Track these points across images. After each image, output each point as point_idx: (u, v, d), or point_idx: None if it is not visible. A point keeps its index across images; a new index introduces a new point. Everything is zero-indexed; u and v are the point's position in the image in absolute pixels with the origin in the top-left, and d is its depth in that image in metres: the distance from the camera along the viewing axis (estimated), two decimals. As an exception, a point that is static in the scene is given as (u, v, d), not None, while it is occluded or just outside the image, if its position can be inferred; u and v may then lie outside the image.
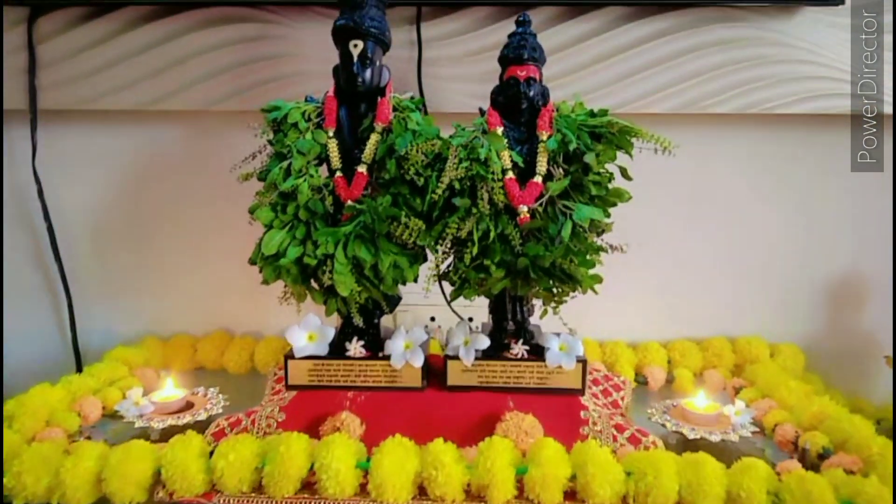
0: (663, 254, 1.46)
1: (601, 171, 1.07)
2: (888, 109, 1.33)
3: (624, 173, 1.09)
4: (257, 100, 1.23)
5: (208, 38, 1.34)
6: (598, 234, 1.06)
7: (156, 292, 1.49)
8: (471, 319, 1.45)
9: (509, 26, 1.11)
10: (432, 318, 1.48)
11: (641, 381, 1.38)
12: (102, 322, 1.51)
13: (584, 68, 1.35)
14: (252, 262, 1.07)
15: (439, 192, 1.01)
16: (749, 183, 1.45)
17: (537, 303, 1.14)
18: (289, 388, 1.13)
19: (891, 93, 1.33)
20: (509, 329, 1.17)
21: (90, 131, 1.41)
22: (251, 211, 1.05)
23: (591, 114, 1.10)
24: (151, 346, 1.47)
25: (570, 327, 1.09)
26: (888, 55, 1.31)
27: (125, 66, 1.34)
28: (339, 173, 1.09)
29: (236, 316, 1.52)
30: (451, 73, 1.34)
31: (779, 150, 1.42)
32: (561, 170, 1.08)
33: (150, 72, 1.35)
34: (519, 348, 1.12)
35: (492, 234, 1.03)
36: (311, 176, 1.06)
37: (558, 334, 1.13)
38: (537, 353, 1.12)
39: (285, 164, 1.05)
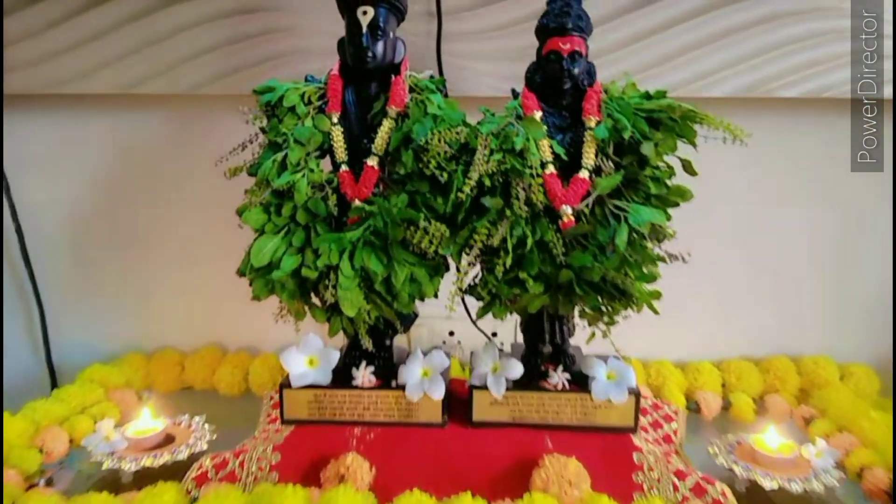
0: (715, 259, 1.27)
1: (660, 164, 0.89)
2: None
3: (688, 167, 0.90)
4: (249, 82, 1.03)
5: (193, 11, 1.17)
6: (659, 242, 0.87)
7: (139, 302, 1.34)
8: (494, 335, 1.27)
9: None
10: (451, 333, 1.30)
11: (693, 408, 1.19)
12: (79, 336, 1.34)
13: (626, 45, 1.16)
14: (241, 273, 0.89)
15: (466, 190, 0.83)
16: (819, 180, 1.25)
17: (579, 321, 0.96)
18: (285, 422, 0.95)
19: None
20: (546, 353, 0.99)
21: (60, 119, 1.24)
22: (239, 213, 0.88)
23: (647, 96, 0.92)
24: (133, 363, 1.30)
25: (621, 354, 0.91)
26: None
27: (97, 45, 1.16)
28: (344, 167, 0.91)
29: (230, 329, 1.35)
30: (475, 50, 1.16)
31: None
32: (611, 163, 0.89)
33: (125, 50, 1.18)
34: (559, 377, 0.94)
35: (529, 242, 0.85)
36: (312, 170, 0.88)
37: (604, 359, 0.95)
38: (580, 382, 0.94)
39: (280, 156, 0.87)
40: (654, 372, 1.24)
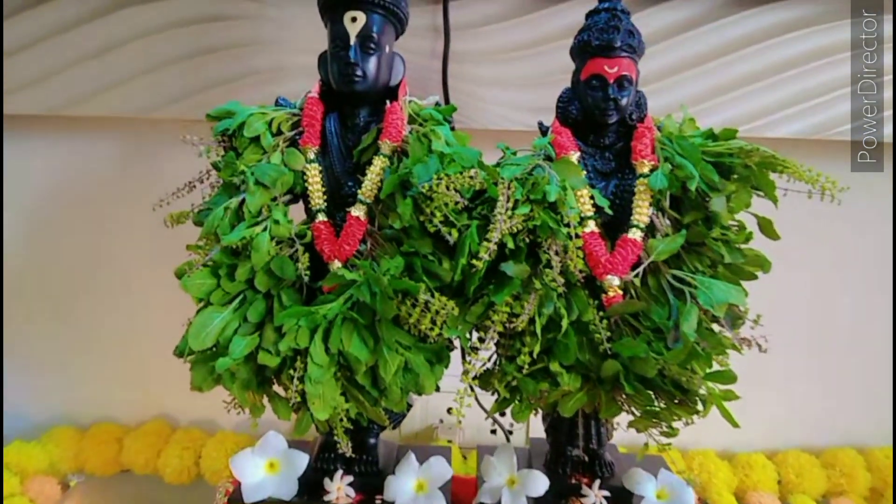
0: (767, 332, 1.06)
1: (733, 223, 0.69)
2: None
3: (767, 228, 0.69)
4: (212, 106, 0.83)
5: (145, 17, 0.96)
6: (735, 328, 0.66)
7: (74, 364, 1.14)
8: (510, 433, 1.05)
9: (573, 8, 0.73)
10: (450, 411, 1.08)
11: (746, 514, 0.97)
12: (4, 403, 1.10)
13: (675, 73, 0.96)
14: (178, 354, 0.67)
15: (483, 253, 0.61)
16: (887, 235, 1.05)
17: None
18: (233, 550, 0.72)
19: None
20: (575, 458, 0.77)
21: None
22: (178, 275, 0.66)
23: (711, 136, 0.72)
24: (61, 439, 1.09)
25: (687, 475, 0.69)
26: None
27: (28, 56, 0.95)
28: (321, 217, 0.70)
29: (180, 399, 1.12)
30: (489, 74, 0.96)
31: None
32: (668, 221, 0.69)
33: (64, 62, 0.97)
34: (595, 495, 0.72)
35: (564, 323, 0.64)
36: (276, 222, 0.66)
37: (653, 470, 0.73)
38: (620, 501, 0.72)
39: (235, 202, 0.66)
40: (696, 465, 1.03)
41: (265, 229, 0.65)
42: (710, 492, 0.99)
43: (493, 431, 1.10)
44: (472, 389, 0.68)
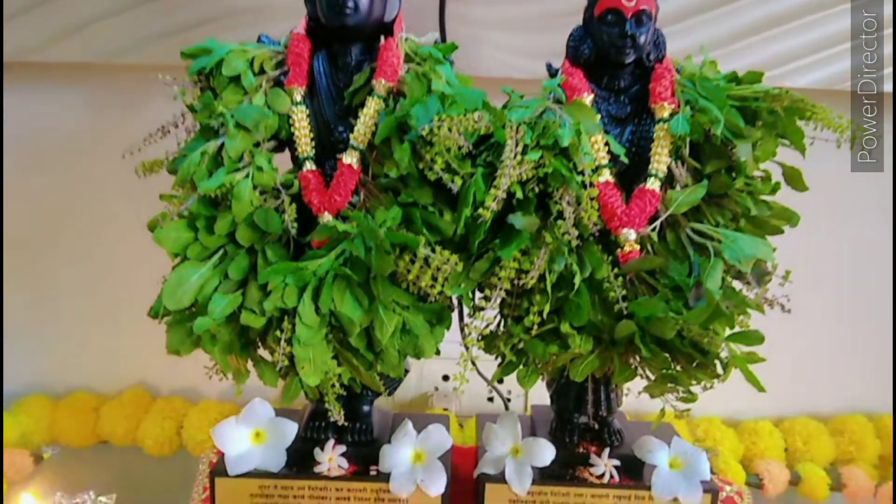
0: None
1: (758, 173, 0.63)
2: None
3: (794, 178, 0.64)
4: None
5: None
6: (761, 285, 0.61)
7: (45, 329, 1.06)
8: (509, 400, 1.01)
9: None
10: (446, 378, 1.04)
11: (754, 482, 0.94)
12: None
13: (691, 16, 0.89)
14: (153, 315, 0.61)
15: (490, 203, 0.55)
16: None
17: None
18: (216, 526, 0.67)
19: None
20: (581, 426, 0.72)
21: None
22: (151, 228, 0.59)
23: (735, 79, 0.66)
24: (33, 410, 1.03)
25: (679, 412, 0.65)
26: None
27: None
28: (310, 165, 0.63)
29: (161, 366, 1.05)
30: (489, 16, 0.88)
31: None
32: (686, 170, 0.63)
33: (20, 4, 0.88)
34: (605, 464, 0.68)
35: (576, 280, 0.58)
36: (260, 169, 0.60)
37: (666, 438, 0.69)
38: (631, 470, 0.68)
39: (213, 146, 0.59)
40: (701, 432, 0.99)
41: (247, 177, 0.58)
42: (718, 460, 0.95)
43: (491, 399, 1.05)
44: (472, 354, 0.63)
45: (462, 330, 0.71)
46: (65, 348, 1.05)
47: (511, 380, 0.68)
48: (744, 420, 1.02)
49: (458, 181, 0.57)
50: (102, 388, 1.07)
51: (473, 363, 0.76)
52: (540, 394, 0.78)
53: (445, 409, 1.00)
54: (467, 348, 0.59)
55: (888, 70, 0.90)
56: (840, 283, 1.03)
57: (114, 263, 1.02)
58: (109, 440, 1.02)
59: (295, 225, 0.60)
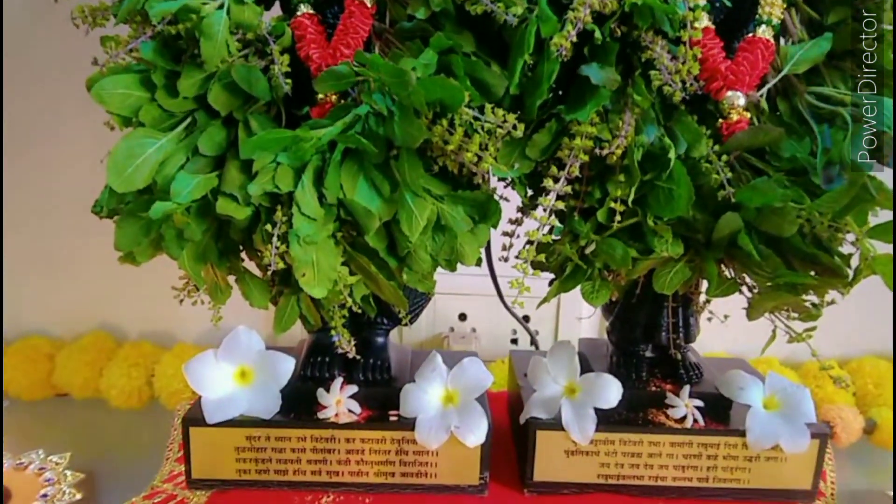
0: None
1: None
2: None
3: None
4: None
5: None
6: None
7: None
8: (527, 318, 0.87)
9: None
10: (462, 317, 0.89)
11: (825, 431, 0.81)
12: None
13: None
14: (97, 210, 0.46)
15: (556, 46, 0.40)
16: None
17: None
18: (193, 485, 0.52)
19: None
20: (651, 360, 0.58)
21: None
22: (89, 86, 0.43)
23: None
24: (-25, 357, 0.85)
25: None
26: None
27: None
28: (305, 8, 0.47)
29: (127, 306, 0.90)
30: None
31: None
32: (798, 18, 0.48)
33: None
34: (686, 405, 0.53)
35: (671, 156, 0.43)
36: (239, 0, 0.43)
37: (753, 372, 0.55)
38: (715, 413, 0.54)
39: (170, -36, 0.42)
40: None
41: (221, 7, 0.42)
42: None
43: (515, 341, 0.91)
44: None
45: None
46: (12, 285, 0.89)
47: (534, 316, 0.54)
48: (805, 362, 0.89)
49: (519, 8, 0.41)
50: (58, 331, 0.91)
51: (499, 291, 0.62)
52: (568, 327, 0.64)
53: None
54: (530, 242, 0.43)
55: None
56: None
57: (65, 175, 0.85)
58: (68, 392, 0.86)
59: (289, 82, 0.44)
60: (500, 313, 0.76)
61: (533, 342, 0.85)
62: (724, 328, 0.58)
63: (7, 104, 0.83)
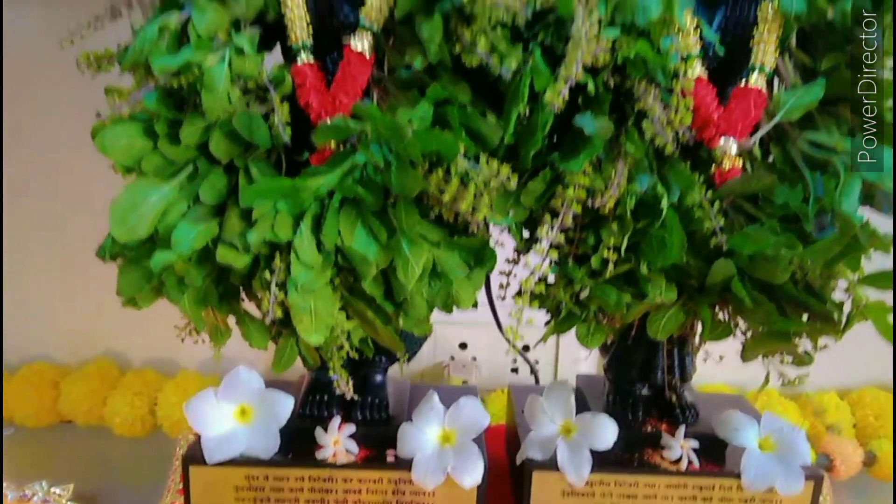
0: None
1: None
2: None
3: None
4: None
5: None
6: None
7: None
8: (526, 348, 0.86)
9: None
10: (463, 346, 0.90)
11: (822, 462, 0.81)
12: None
13: None
14: (101, 254, 0.46)
15: (555, 95, 0.41)
16: None
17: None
18: (191, 525, 0.53)
19: None
20: (645, 398, 0.58)
21: None
22: (93, 135, 0.44)
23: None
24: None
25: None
26: None
27: None
28: (305, 56, 0.48)
29: (132, 334, 0.91)
30: None
31: None
32: (792, 64, 0.49)
33: None
34: (681, 446, 0.54)
35: (662, 205, 0.44)
36: (240, 52, 0.44)
37: (751, 412, 0.56)
38: (710, 453, 0.54)
39: (174, 19, 0.44)
40: (760, 405, 0.85)
41: (223, 60, 0.43)
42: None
43: (515, 370, 0.92)
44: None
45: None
46: (18, 313, 0.90)
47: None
48: (804, 392, 0.89)
49: (514, 62, 0.41)
50: (64, 358, 0.92)
51: (498, 323, 0.62)
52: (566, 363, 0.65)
53: (465, 382, 0.86)
54: (520, 292, 0.44)
55: None
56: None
57: (76, 207, 0.86)
58: (73, 419, 0.87)
59: (288, 130, 0.45)
60: (501, 342, 0.76)
61: (533, 372, 0.86)
62: (723, 360, 0.59)
63: (15, 135, 0.84)
